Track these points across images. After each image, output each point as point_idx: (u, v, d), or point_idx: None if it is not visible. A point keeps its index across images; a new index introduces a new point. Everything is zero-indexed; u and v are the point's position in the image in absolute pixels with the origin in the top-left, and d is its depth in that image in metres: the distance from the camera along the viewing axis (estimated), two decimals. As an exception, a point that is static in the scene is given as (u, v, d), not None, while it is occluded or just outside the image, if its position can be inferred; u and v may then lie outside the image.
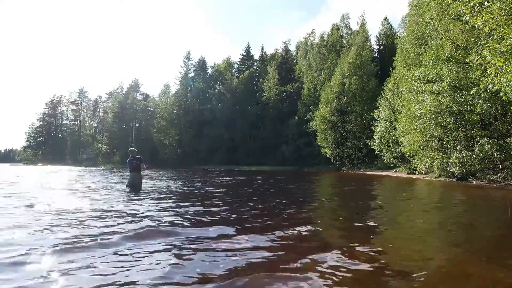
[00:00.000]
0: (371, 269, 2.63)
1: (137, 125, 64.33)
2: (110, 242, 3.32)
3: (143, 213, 5.23)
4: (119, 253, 3.00)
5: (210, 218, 5.01)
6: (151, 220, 4.59)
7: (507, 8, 8.36)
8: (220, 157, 50.75)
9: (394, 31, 42.74)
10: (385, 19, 46.23)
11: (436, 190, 11.62)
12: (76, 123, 73.86)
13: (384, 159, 26.48)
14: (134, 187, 8.87)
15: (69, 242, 3.29)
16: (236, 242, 3.42)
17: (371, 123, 28.36)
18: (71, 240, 3.41)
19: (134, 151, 9.07)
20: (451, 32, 13.56)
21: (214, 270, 2.59)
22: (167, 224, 4.41)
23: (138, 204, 6.25)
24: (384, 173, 25.89)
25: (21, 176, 18.08)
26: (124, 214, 5.05)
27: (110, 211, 5.40)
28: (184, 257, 2.88)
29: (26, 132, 71.78)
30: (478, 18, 9.06)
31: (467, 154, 13.40)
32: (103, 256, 2.88)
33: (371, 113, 27.90)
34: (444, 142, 15.22)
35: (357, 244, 3.39)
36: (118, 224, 4.29)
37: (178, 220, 4.69)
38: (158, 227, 4.18)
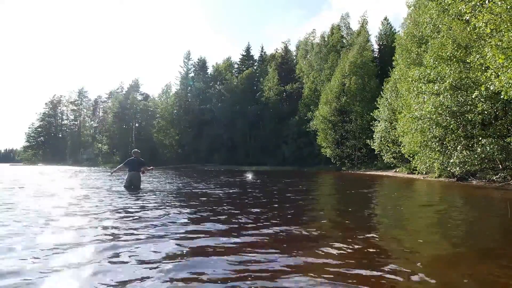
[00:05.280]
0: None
1: (137, 125, 64.31)
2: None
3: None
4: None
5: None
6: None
7: (508, 7, 8.33)
8: (220, 157, 50.66)
9: (394, 31, 42.72)
10: (385, 19, 46.33)
11: (436, 191, 11.59)
12: (76, 123, 74.02)
13: (384, 159, 26.45)
14: (133, 187, 8.90)
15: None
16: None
17: (371, 123, 28.33)
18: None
19: (138, 152, 9.26)
20: (453, 30, 13.51)
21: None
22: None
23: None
24: (384, 173, 25.85)
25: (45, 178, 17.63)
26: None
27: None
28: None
29: (26, 132, 72.02)
30: (479, 18, 9.02)
31: (468, 154, 13.36)
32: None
33: (371, 113, 27.88)
34: (444, 143, 15.18)
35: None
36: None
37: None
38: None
